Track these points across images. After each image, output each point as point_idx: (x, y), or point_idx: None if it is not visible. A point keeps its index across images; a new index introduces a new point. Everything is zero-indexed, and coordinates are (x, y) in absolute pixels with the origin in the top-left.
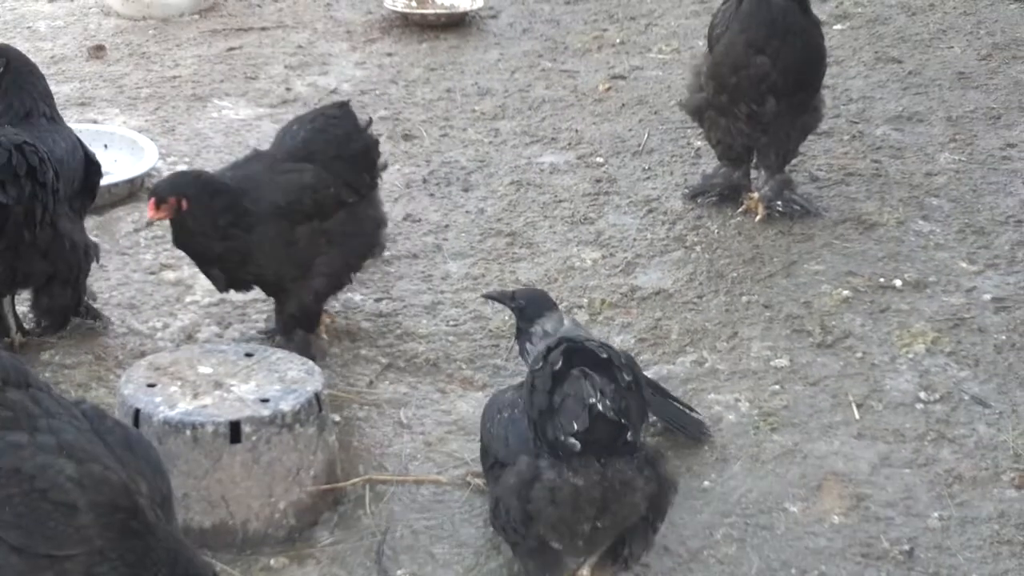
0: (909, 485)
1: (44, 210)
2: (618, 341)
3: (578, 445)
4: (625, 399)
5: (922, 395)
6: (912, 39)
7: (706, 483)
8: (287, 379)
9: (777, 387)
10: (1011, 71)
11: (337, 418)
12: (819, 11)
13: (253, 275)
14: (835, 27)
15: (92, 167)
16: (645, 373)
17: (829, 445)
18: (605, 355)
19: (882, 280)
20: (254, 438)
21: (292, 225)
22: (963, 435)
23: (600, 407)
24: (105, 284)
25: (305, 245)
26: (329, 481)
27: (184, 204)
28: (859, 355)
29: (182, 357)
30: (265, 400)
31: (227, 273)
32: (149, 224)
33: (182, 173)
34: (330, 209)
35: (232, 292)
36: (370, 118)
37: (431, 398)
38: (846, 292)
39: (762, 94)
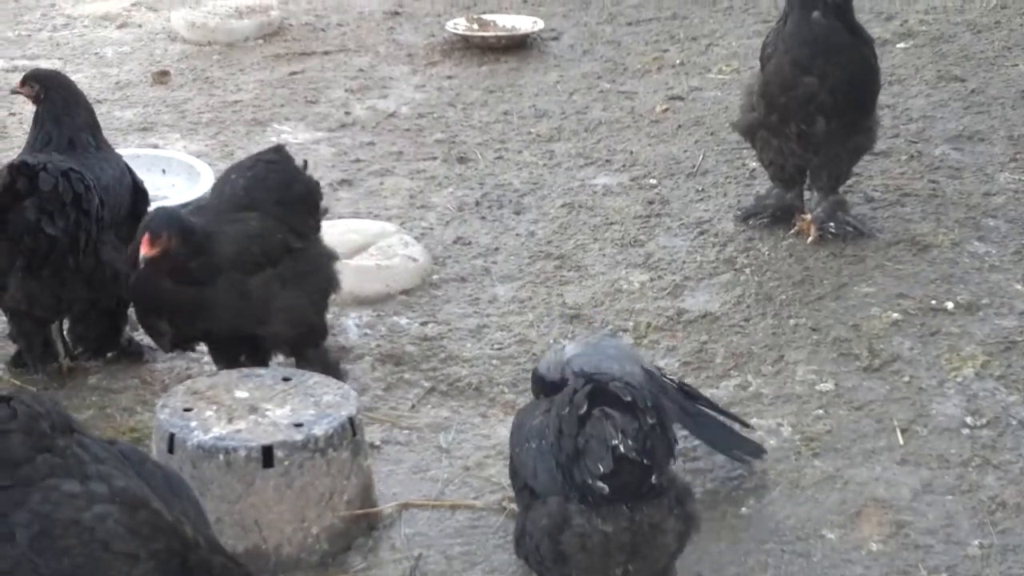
0: (951, 512)
1: (88, 238)
2: (663, 364)
3: (606, 488)
4: (649, 439)
5: (969, 420)
6: (976, 57)
7: (744, 509)
8: (322, 403)
9: (821, 411)
10: None
11: (377, 442)
12: (883, 29)
13: (203, 330)
14: (898, 45)
15: (139, 195)
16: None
17: (871, 471)
18: (629, 398)
19: (933, 302)
20: (287, 463)
21: (245, 276)
22: (1009, 461)
23: (622, 448)
24: None
25: (260, 295)
26: (364, 506)
27: (173, 242)
28: (906, 379)
29: (220, 382)
30: (299, 425)
31: (176, 326)
32: (143, 261)
33: (169, 210)
34: (280, 256)
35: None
36: (305, 161)
37: (472, 422)
38: (896, 315)
39: (811, 114)
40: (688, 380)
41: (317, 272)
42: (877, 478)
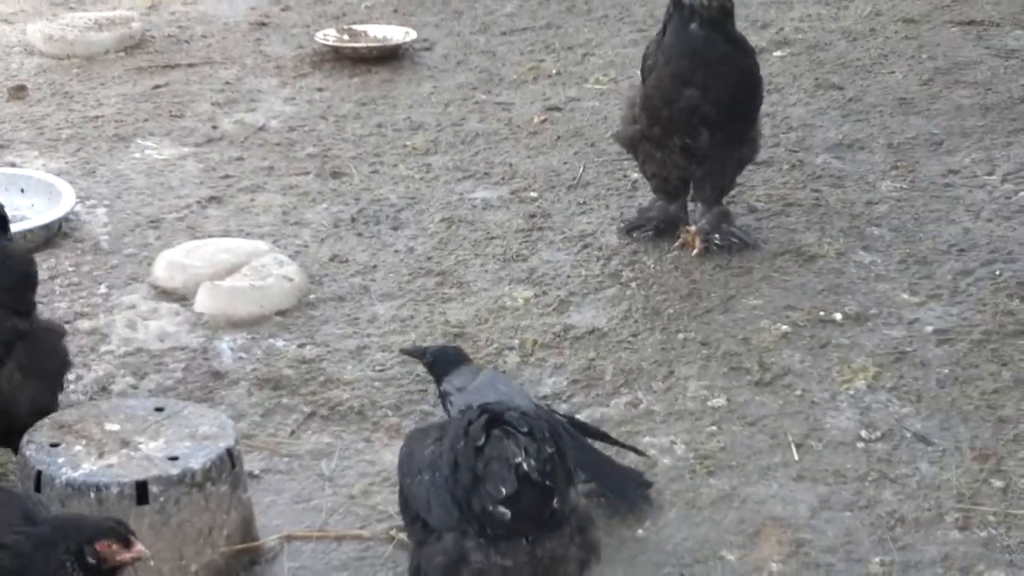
0: (850, 529)
1: None
2: (550, 383)
3: (508, 514)
4: (549, 463)
5: (863, 433)
6: (853, 64)
7: (640, 531)
8: (198, 435)
9: (714, 428)
10: (953, 96)
11: (256, 471)
12: (759, 37)
13: None
14: (775, 53)
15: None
16: (579, 417)
17: (768, 488)
18: (526, 428)
19: (822, 314)
20: (162, 499)
21: None
22: (905, 475)
23: (525, 466)
24: None
25: (8, 390)
26: (244, 540)
27: None
28: (798, 393)
29: (89, 414)
30: (174, 458)
31: None
32: None
33: None
34: (13, 342)
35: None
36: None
37: (355, 448)
38: (785, 327)
39: (695, 127)
40: (578, 399)
41: (53, 354)
42: (774, 495)
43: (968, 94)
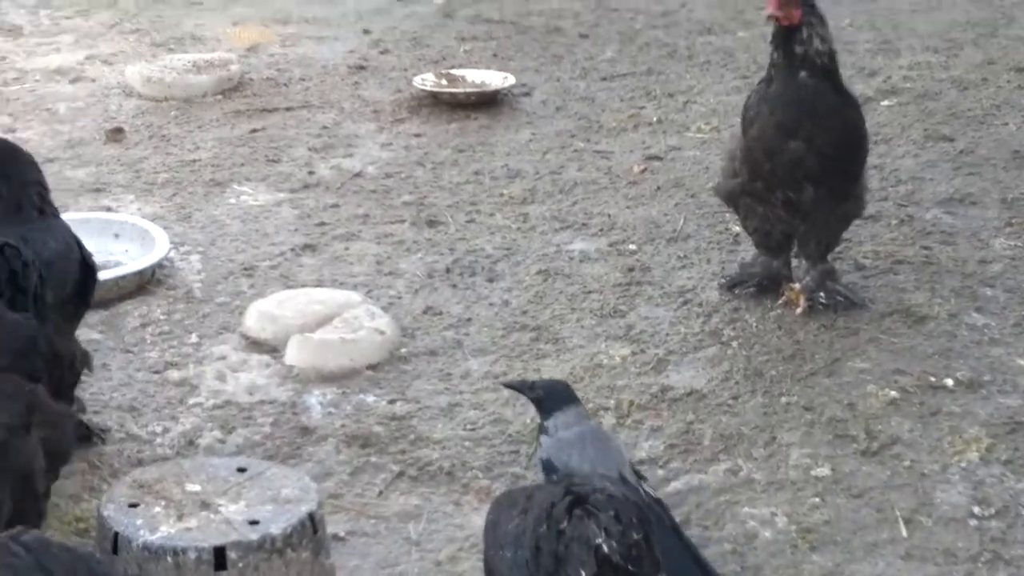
0: None
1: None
2: (647, 447)
3: None
4: (635, 549)
5: (976, 509)
6: (964, 115)
7: None
8: (280, 498)
9: (817, 499)
10: None
11: (341, 533)
12: (866, 86)
13: None
14: (883, 103)
15: (87, 271)
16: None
17: (873, 567)
18: (612, 512)
19: (932, 379)
20: (240, 564)
21: None
22: (1021, 556)
23: (606, 548)
24: (107, 384)
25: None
26: None
27: None
28: (907, 463)
29: (169, 472)
30: (255, 522)
31: None
32: None
33: None
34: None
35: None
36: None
37: (444, 511)
38: (893, 392)
39: (798, 181)
40: (675, 464)
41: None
42: (880, 575)
43: None
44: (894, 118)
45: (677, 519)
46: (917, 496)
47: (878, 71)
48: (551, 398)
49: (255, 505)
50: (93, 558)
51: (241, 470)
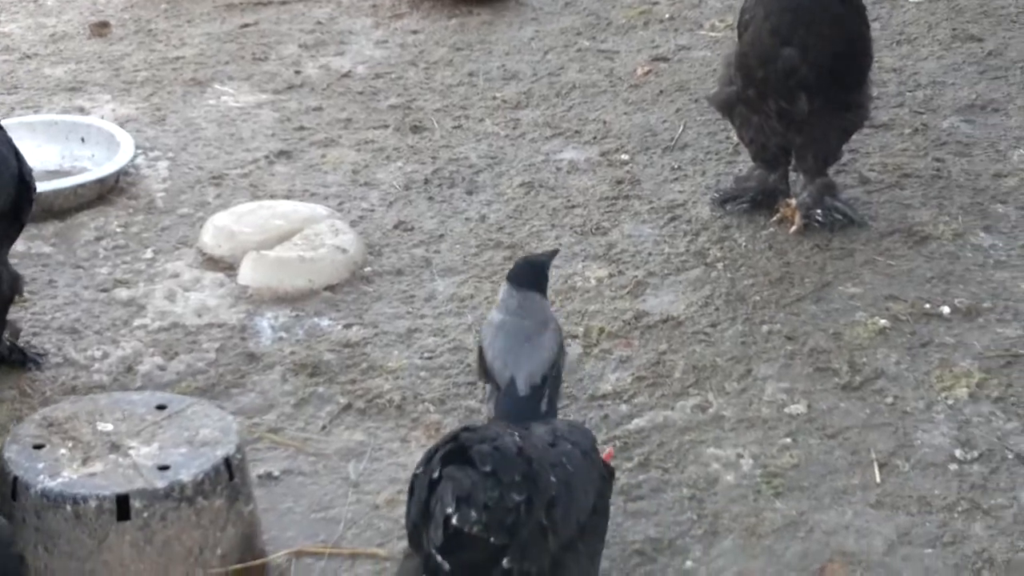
0: (929, 569)
1: None
2: (612, 379)
3: (446, 565)
4: (510, 516)
5: (958, 452)
6: (996, 14)
7: (688, 562)
8: (196, 440)
9: (788, 440)
10: None
11: (276, 472)
12: None
13: None
14: (911, 0)
15: (23, 188)
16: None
17: (840, 516)
18: (489, 467)
19: (927, 306)
20: (145, 515)
21: None
22: (1001, 505)
23: (456, 520)
24: (50, 303)
25: None
26: (244, 558)
27: None
28: (889, 400)
29: (83, 410)
30: (164, 467)
31: None
32: None
33: None
34: None
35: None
36: None
37: (389, 448)
38: (883, 321)
39: (791, 90)
40: (640, 399)
41: None
42: (847, 526)
43: None
44: (920, 16)
45: (635, 461)
46: (896, 437)
47: None
48: (519, 273)
49: (168, 448)
50: None
51: (160, 407)
